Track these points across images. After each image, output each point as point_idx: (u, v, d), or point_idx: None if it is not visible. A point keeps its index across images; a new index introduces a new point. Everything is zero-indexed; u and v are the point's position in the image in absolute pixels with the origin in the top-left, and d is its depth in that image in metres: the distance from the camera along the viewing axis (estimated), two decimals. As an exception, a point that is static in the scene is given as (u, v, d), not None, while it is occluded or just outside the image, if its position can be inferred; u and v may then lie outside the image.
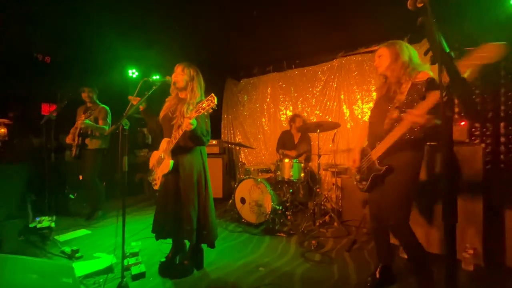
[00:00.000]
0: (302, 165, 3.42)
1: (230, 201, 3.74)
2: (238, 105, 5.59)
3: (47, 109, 4.66)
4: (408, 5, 1.08)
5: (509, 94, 2.91)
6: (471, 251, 2.16)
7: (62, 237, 2.93)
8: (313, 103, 4.62)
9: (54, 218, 3.03)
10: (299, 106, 4.77)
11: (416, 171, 1.74)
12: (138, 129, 5.65)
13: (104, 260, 2.31)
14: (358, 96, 4.16)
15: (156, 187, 2.16)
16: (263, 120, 5.24)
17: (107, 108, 3.65)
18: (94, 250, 2.60)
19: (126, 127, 1.86)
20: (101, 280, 2.03)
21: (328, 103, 4.45)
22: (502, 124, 2.95)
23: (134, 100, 2.07)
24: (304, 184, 3.92)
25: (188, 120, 1.80)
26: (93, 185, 3.55)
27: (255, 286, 2.00)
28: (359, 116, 4.14)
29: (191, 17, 3.29)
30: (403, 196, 1.73)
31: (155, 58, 4.51)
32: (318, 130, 3.25)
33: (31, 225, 2.95)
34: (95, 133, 3.52)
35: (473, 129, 3.05)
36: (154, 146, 2.30)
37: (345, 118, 4.25)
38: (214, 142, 4.89)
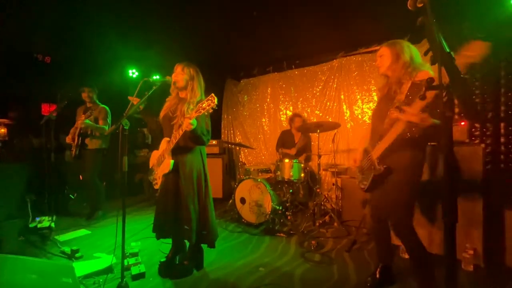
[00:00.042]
0: (302, 165, 3.42)
1: (230, 201, 3.74)
2: (238, 105, 5.59)
3: (47, 109, 4.67)
4: (408, 5, 1.08)
5: (509, 94, 2.90)
6: (471, 251, 2.16)
7: (62, 237, 2.93)
8: (313, 103, 4.62)
9: (54, 218, 3.03)
10: (299, 106, 4.77)
11: (416, 171, 1.74)
12: (138, 129, 5.65)
13: (104, 260, 2.31)
14: (358, 96, 4.16)
15: (156, 187, 2.17)
16: (263, 120, 5.24)
17: (107, 108, 3.65)
18: (94, 250, 2.60)
19: (126, 127, 1.86)
20: (101, 280, 2.03)
21: (328, 103, 4.46)
22: (502, 124, 2.95)
23: (134, 100, 2.07)
24: (304, 184, 3.92)
25: (188, 120, 1.80)
26: (93, 185, 3.55)
27: (255, 286, 1.99)
28: (359, 116, 4.15)
29: (191, 17, 3.29)
30: (403, 196, 1.72)
31: (155, 58, 4.51)
32: (318, 130, 3.25)
33: (31, 225, 2.95)
34: (95, 133, 3.52)
35: (473, 129, 3.05)
36: (154, 146, 2.30)
37: (345, 118, 4.26)
38: (214, 142, 4.89)
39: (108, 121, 3.60)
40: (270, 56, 4.70)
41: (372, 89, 4.02)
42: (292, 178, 3.34)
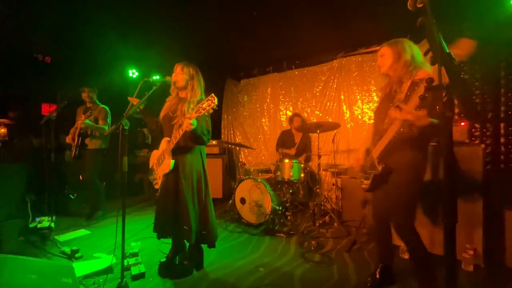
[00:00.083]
0: (302, 165, 3.42)
1: (230, 202, 3.74)
2: (238, 105, 5.59)
3: (47, 109, 4.66)
4: (408, 6, 1.07)
5: (509, 94, 2.90)
6: (471, 252, 2.16)
7: (62, 237, 2.92)
8: (313, 104, 4.62)
9: (54, 218, 3.03)
10: (299, 107, 4.77)
11: (418, 171, 1.72)
12: (138, 129, 5.65)
13: (104, 260, 2.31)
14: (358, 97, 4.16)
15: (157, 186, 2.17)
16: (263, 120, 5.24)
17: (107, 108, 3.65)
18: (94, 250, 2.60)
19: (126, 127, 1.86)
20: (101, 280, 2.03)
21: (328, 104, 4.46)
22: (502, 125, 2.94)
23: (133, 101, 2.08)
24: (304, 185, 3.92)
25: (189, 121, 1.80)
26: (93, 185, 3.55)
27: (255, 286, 1.99)
28: (359, 117, 4.15)
29: (191, 17, 3.29)
30: (404, 196, 1.72)
31: (155, 58, 4.50)
32: (318, 131, 3.26)
33: (31, 225, 2.95)
34: (95, 133, 3.52)
35: (473, 130, 3.04)
36: (154, 146, 2.30)
37: (345, 118, 4.26)
38: (214, 142, 4.89)
39: (108, 121, 3.60)
40: (270, 56, 4.70)
41: (372, 89, 4.02)
42: (292, 178, 3.34)
